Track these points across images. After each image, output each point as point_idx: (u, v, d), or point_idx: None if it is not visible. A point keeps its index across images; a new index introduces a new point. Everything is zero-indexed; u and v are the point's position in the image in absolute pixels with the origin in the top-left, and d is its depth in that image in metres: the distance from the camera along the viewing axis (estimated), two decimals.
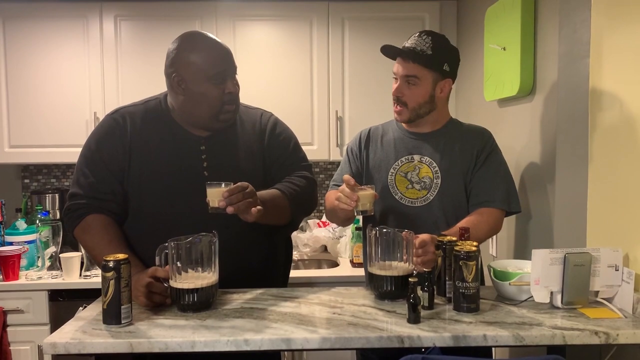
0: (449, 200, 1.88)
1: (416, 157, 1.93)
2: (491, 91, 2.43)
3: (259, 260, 1.85)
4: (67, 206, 1.80)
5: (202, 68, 1.71)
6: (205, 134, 1.80)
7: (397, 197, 1.91)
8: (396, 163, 1.94)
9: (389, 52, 1.91)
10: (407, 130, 1.98)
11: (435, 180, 1.89)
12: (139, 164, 1.77)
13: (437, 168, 1.90)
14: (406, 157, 1.94)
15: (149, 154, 1.78)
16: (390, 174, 1.93)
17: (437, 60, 1.85)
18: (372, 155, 2.00)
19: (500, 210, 1.88)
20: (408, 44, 1.88)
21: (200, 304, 1.55)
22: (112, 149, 1.78)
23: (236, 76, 1.80)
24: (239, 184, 1.58)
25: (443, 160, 1.90)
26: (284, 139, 1.91)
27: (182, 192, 1.76)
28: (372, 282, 1.67)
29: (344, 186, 1.73)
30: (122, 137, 1.78)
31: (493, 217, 1.86)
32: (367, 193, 1.72)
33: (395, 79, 1.92)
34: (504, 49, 2.25)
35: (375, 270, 1.65)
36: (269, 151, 1.87)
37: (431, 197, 1.89)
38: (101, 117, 2.92)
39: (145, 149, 1.78)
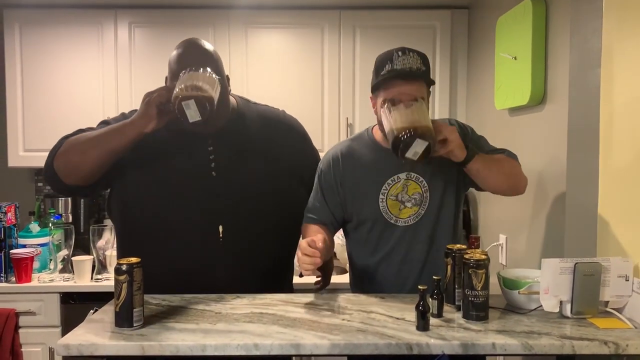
0: (443, 210, 1.84)
1: (402, 176, 1.83)
2: (502, 100, 2.44)
3: (273, 264, 1.87)
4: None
5: (171, 65, 1.75)
6: (213, 132, 1.78)
7: (392, 221, 1.84)
8: (384, 187, 1.83)
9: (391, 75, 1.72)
10: (383, 147, 1.83)
11: (425, 195, 1.83)
12: (149, 163, 1.78)
13: (424, 182, 1.83)
14: (392, 178, 1.83)
15: (158, 152, 1.78)
16: (380, 200, 1.83)
17: (429, 73, 1.78)
18: (351, 183, 1.86)
19: (515, 159, 1.85)
20: (399, 65, 1.71)
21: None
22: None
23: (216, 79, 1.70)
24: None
25: (426, 172, 1.83)
26: (304, 145, 2.00)
27: (191, 190, 1.76)
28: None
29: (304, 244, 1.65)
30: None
31: (511, 162, 1.82)
32: None
33: None
34: (515, 58, 2.25)
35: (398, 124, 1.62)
36: (289, 154, 1.91)
37: (423, 212, 1.83)
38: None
39: (154, 148, 1.77)
